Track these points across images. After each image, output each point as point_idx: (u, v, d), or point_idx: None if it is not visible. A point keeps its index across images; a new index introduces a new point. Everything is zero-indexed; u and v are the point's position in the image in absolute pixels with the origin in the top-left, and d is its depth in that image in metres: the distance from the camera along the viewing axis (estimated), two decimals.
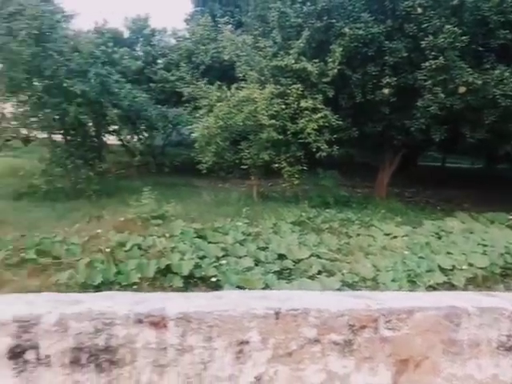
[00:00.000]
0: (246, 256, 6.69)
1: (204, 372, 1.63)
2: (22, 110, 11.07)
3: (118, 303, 1.63)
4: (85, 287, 5.45)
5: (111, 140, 14.61)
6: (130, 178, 13.57)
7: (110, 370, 1.55)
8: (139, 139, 15.03)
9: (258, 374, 1.67)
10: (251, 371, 1.66)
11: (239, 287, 5.64)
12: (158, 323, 1.58)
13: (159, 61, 15.28)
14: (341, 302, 1.82)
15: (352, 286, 5.71)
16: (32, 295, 1.73)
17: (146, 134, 14.80)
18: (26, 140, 11.99)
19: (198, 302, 1.73)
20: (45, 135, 11.75)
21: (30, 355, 1.52)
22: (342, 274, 6.07)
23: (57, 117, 10.85)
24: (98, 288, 5.34)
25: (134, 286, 5.64)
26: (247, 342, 1.65)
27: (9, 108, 11.21)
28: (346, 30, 10.11)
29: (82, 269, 5.86)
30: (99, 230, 7.48)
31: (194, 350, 1.61)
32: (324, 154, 10.49)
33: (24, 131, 11.45)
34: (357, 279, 5.95)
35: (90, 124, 12.08)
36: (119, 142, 15.01)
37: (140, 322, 1.57)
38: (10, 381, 1.53)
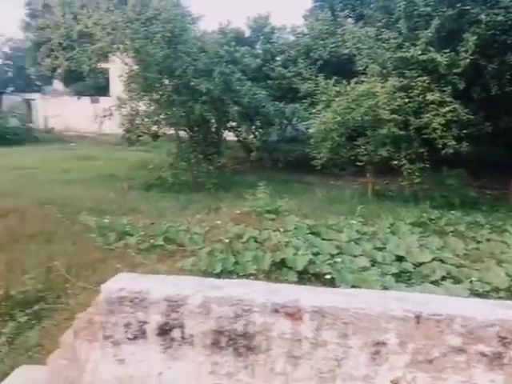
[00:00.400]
0: (361, 255, 6.47)
1: (338, 369, 1.60)
2: (153, 108, 12.08)
3: (255, 291, 1.67)
4: (206, 274, 5.76)
5: (229, 136, 15.29)
6: (245, 172, 14.05)
7: (246, 356, 1.61)
8: (255, 135, 15.47)
9: (395, 378, 1.59)
10: (387, 374, 1.58)
11: (354, 287, 5.48)
12: (294, 314, 1.59)
13: (277, 58, 15.55)
14: (489, 311, 1.65)
15: (482, 296, 5.19)
16: (177, 277, 1.87)
17: (261, 130, 15.17)
18: (156, 136, 13.06)
19: (331, 297, 1.70)
20: (172, 131, 12.69)
21: (176, 333, 1.64)
22: (471, 282, 5.54)
23: (183, 114, 11.62)
24: (218, 276, 5.60)
25: (251, 277, 5.81)
26: (384, 344, 1.58)
27: (142, 106, 12.32)
28: (483, 16, 9.25)
29: (204, 257, 6.19)
30: (218, 222, 7.83)
31: (328, 345, 1.59)
32: (451, 150, 9.71)
33: (154, 127, 12.48)
34: (488, 288, 5.39)
35: (213, 121, 12.76)
36: (235, 138, 15.61)
37: (276, 311, 1.60)
38: (157, 356, 1.67)
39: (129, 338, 1.67)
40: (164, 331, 1.65)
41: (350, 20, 12.60)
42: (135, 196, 10.16)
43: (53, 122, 29.00)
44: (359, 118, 10.17)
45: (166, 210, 8.86)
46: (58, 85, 35.01)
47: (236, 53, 13.75)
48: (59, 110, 28.92)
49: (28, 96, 31.56)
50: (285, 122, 15.08)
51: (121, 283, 1.72)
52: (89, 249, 6.11)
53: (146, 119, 12.11)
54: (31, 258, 5.45)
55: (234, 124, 14.40)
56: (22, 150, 18.33)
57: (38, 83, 36.67)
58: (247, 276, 5.82)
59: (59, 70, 30.22)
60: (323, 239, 7.09)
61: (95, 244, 6.37)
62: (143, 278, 1.84)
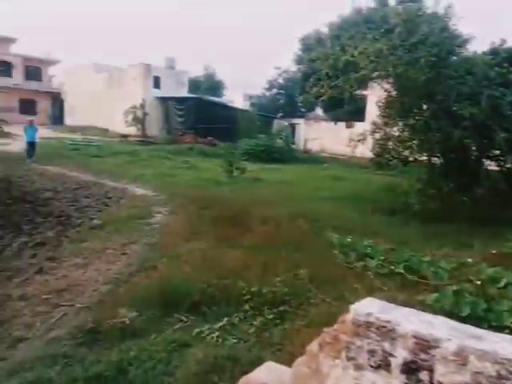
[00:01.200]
0: None
1: None
2: (406, 133, 11.86)
3: None
4: (450, 315, 5.21)
5: (489, 165, 13.56)
6: (508, 208, 12.18)
7: None
8: None
9: None
10: None
11: None
12: None
13: None
14: None
15: None
16: (426, 314, 1.73)
17: None
18: (406, 161, 12.76)
19: None
20: (423, 157, 12.16)
21: (423, 376, 1.50)
22: None
23: (439, 140, 10.99)
24: (464, 320, 4.99)
25: (506, 330, 4.96)
26: None
27: (395, 132, 12.25)
28: None
29: (450, 295, 5.64)
30: (468, 259, 7.05)
31: None
32: None
33: (405, 153, 12.24)
34: None
35: (473, 148, 11.63)
36: (497, 168, 13.74)
37: None
38: None
39: (371, 366, 1.63)
40: (410, 370, 1.54)
41: None
42: (378, 219, 10.13)
43: (311, 144, 32.42)
44: None
45: (409, 238, 8.50)
46: (318, 111, 38.92)
47: (510, 74, 12.11)
48: (317, 134, 32.19)
49: (293, 121, 36.47)
50: None
51: (369, 308, 1.70)
52: (330, 264, 6.39)
53: (398, 144, 11.99)
54: (281, 263, 6.07)
55: (497, 152, 12.71)
56: (284, 168, 20.86)
57: (302, 110, 41.47)
58: (502, 328, 5.01)
59: (322, 98, 33.25)
60: None
61: (336, 260, 6.63)
62: (391, 308, 1.77)
